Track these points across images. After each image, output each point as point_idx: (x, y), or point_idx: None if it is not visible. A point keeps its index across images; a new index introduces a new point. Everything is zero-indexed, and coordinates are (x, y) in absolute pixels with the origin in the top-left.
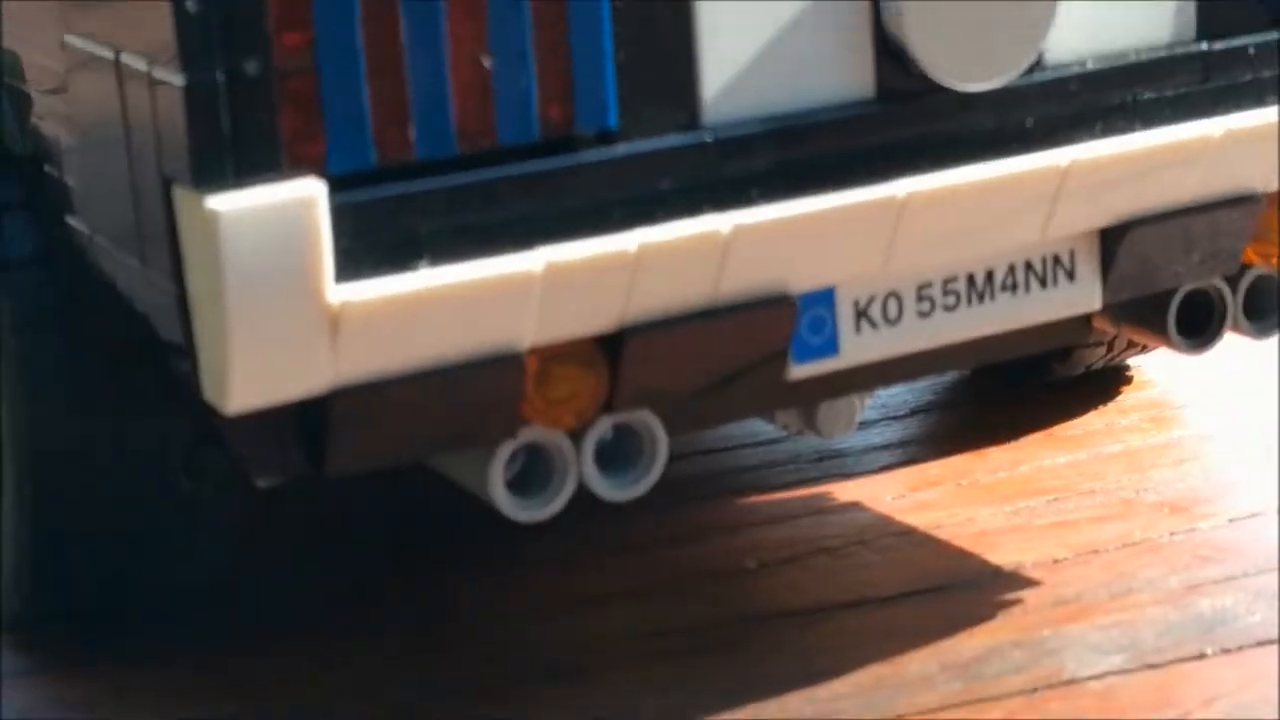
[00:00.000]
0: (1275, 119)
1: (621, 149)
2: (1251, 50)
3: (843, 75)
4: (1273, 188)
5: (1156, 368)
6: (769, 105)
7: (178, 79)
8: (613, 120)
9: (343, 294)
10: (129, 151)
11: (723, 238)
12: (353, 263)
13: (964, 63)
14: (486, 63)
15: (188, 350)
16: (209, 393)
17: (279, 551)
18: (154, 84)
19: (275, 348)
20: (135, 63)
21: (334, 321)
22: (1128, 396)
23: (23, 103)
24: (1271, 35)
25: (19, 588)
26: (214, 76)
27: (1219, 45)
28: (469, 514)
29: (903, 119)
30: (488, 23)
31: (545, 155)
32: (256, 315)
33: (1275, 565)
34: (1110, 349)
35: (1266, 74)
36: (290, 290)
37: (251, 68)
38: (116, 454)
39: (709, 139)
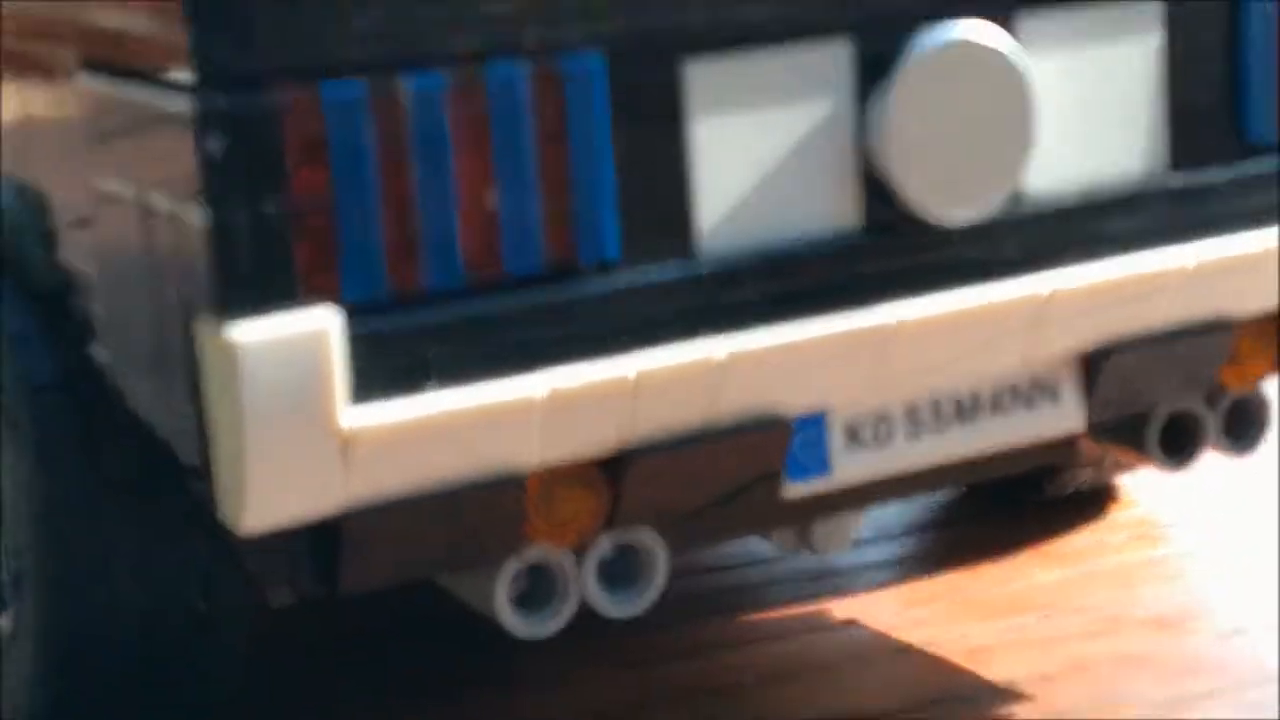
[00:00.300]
0: (1246, 248)
1: (621, 278)
2: (1222, 182)
3: (831, 208)
4: (1246, 313)
5: (1143, 487)
6: (762, 236)
7: (199, 215)
8: (613, 251)
9: (355, 418)
10: (151, 283)
11: (719, 363)
12: (365, 388)
13: (946, 196)
14: (493, 198)
15: (205, 473)
16: (225, 514)
17: (290, 671)
18: (176, 220)
19: (290, 470)
20: (159, 200)
21: (346, 445)
22: (1116, 515)
23: (48, 237)
24: (1242, 166)
25: (33, 708)
26: (234, 213)
27: (1191, 177)
28: (471, 630)
29: (889, 249)
30: (493, 160)
31: (549, 284)
32: (272, 438)
33: (1262, 679)
34: (1098, 469)
35: (1238, 204)
36: (305, 415)
37: (270, 204)
38: (133, 576)
39: (705, 269)
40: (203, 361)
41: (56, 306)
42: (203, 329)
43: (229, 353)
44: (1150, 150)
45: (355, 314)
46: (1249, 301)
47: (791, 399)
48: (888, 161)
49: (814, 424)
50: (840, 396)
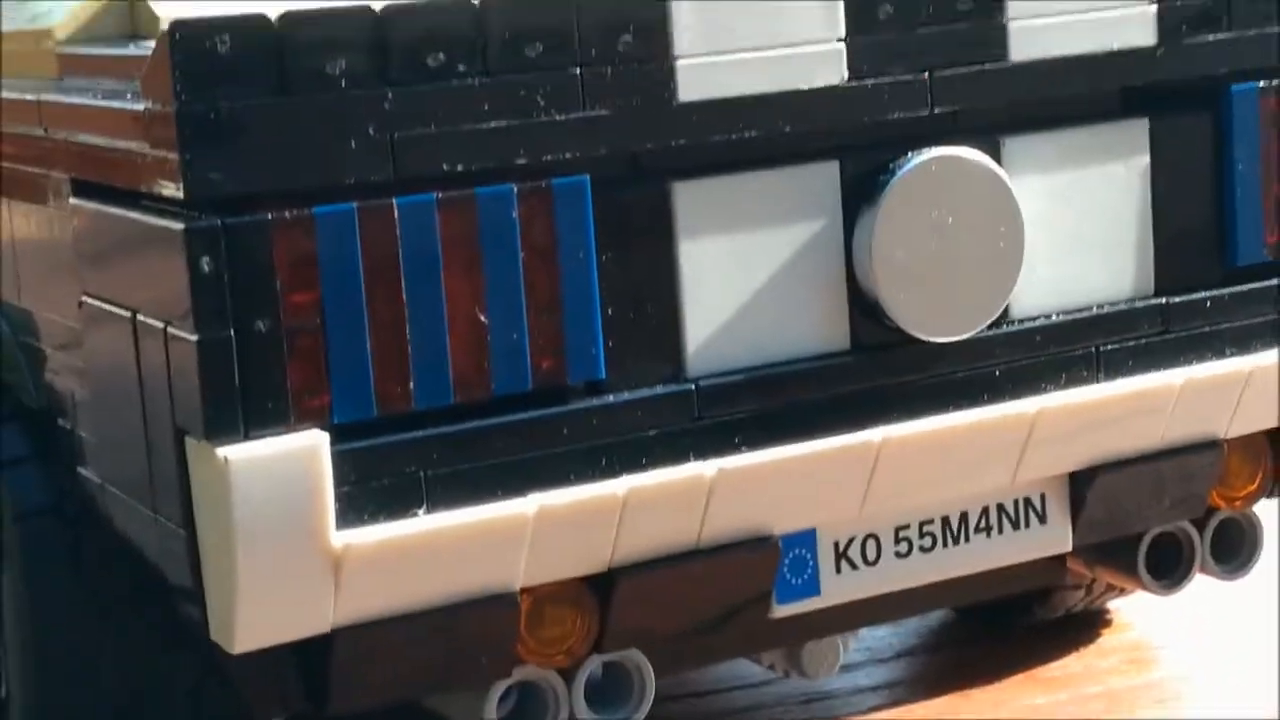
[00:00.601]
0: (1233, 369)
1: (610, 398)
2: (1208, 303)
3: (819, 327)
4: (1234, 434)
5: (1135, 611)
6: (750, 356)
7: (192, 335)
8: (601, 371)
9: (344, 538)
10: (142, 404)
11: (707, 482)
12: (355, 508)
13: (934, 316)
14: (483, 319)
15: (196, 593)
16: (216, 633)
17: None
18: (169, 340)
19: (280, 589)
20: (151, 320)
21: (336, 565)
22: (1107, 639)
23: (36, 359)
24: (1227, 289)
25: None
26: (226, 334)
27: (1177, 299)
28: None
29: (877, 369)
30: (484, 281)
31: (538, 404)
32: (263, 558)
33: None
34: (1088, 592)
35: (1224, 325)
36: (296, 535)
37: (261, 326)
38: (122, 696)
39: (692, 389)
40: (194, 482)
41: (44, 429)
42: (194, 449)
43: (220, 473)
44: (1137, 271)
45: (346, 434)
46: (1237, 423)
47: (780, 519)
48: (875, 281)
49: (803, 544)
50: (829, 516)
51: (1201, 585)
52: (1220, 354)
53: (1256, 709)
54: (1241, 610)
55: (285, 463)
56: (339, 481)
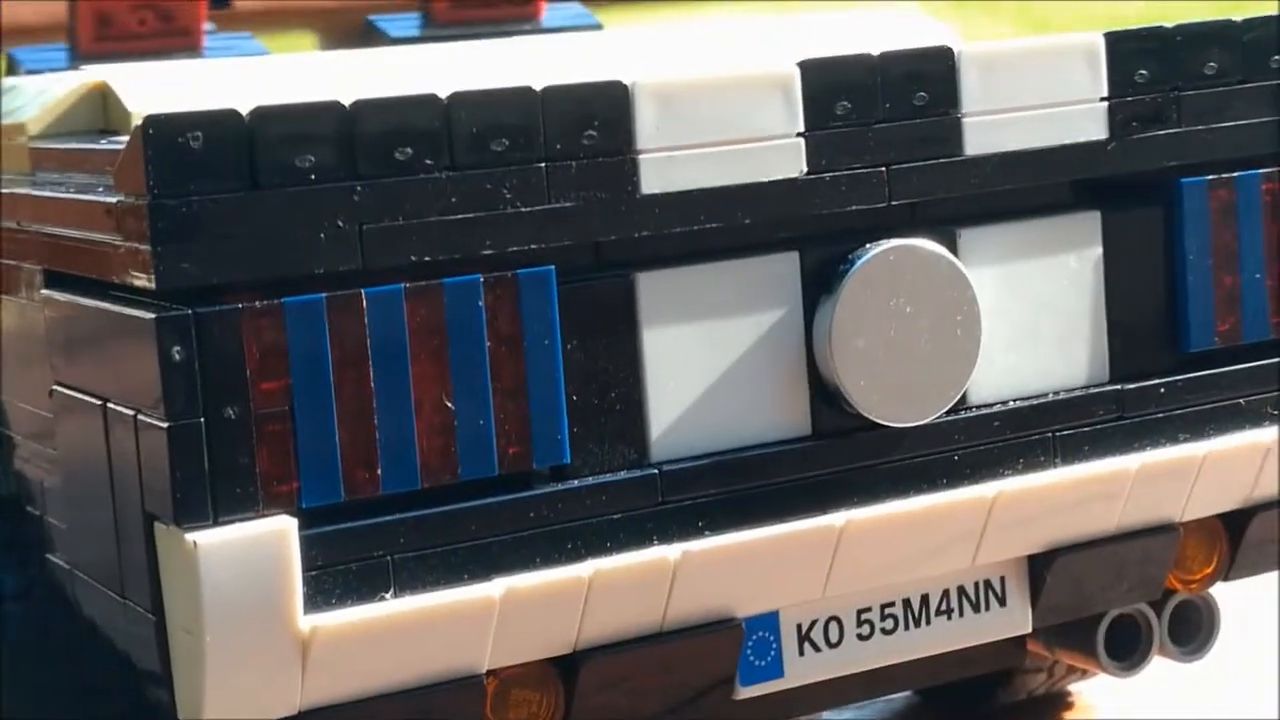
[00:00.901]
0: (1187, 454)
1: (575, 483)
2: (1162, 390)
3: (781, 413)
4: (1189, 518)
5: (1097, 693)
6: (713, 441)
7: (163, 423)
8: (567, 456)
9: (312, 622)
10: (112, 490)
11: (671, 566)
12: (323, 591)
13: (893, 402)
14: (450, 406)
15: (164, 677)
16: (184, 716)
17: None
18: (139, 427)
19: (248, 673)
20: (122, 408)
21: (304, 648)
22: None
23: (7, 446)
24: (1180, 376)
25: None
26: (196, 421)
27: (1131, 385)
28: None
29: (838, 454)
30: (450, 369)
31: (504, 489)
32: (232, 642)
33: None
34: (1050, 674)
35: (1177, 411)
36: (264, 619)
37: (231, 413)
38: None
39: (656, 473)
40: (163, 567)
41: (14, 515)
42: (163, 535)
43: (189, 558)
44: (1092, 358)
45: (314, 519)
46: (1192, 506)
47: (743, 601)
48: (835, 368)
49: (766, 626)
50: (792, 599)
51: (1156, 667)
52: (1174, 439)
53: None
54: (1199, 693)
55: (254, 547)
56: (307, 565)
